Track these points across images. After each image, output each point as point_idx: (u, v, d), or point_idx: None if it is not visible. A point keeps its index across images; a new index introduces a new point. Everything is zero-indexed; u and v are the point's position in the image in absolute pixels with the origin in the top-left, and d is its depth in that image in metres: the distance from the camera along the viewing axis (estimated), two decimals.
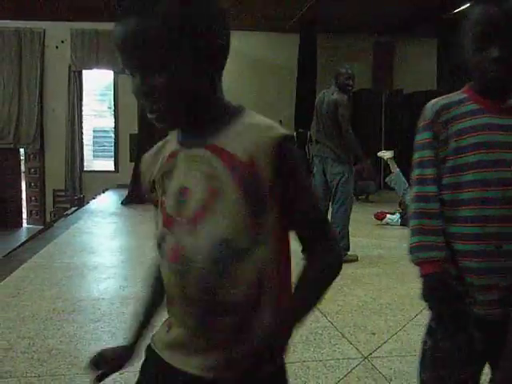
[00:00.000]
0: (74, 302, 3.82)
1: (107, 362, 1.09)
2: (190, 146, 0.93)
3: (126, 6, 0.86)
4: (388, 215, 7.68)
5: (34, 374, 2.60)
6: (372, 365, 2.73)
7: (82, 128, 14.54)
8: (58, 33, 13.94)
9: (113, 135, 14.84)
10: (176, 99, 0.88)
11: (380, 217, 7.72)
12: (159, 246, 0.97)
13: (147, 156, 1.04)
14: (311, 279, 0.97)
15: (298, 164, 0.91)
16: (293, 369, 2.66)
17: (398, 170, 7.08)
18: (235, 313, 0.91)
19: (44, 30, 13.94)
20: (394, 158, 6.90)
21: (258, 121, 0.91)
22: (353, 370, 2.66)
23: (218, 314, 0.91)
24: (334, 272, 0.98)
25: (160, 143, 1.03)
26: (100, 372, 1.08)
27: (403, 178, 7.05)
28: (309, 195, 0.95)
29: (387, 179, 7.35)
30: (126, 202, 10.35)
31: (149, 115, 0.90)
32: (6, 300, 3.83)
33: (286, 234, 0.97)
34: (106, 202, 11.29)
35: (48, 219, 13.62)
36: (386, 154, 7.26)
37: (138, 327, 1.12)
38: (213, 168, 0.89)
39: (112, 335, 3.12)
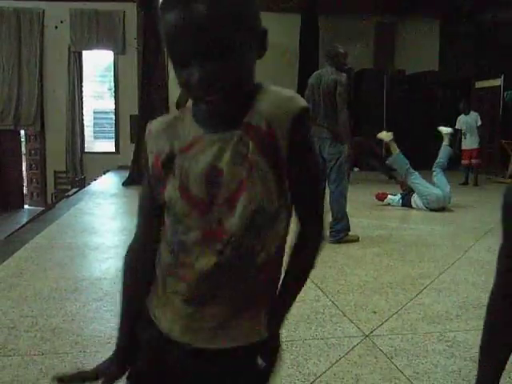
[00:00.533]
0: (76, 281, 3.84)
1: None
2: (216, 129, 0.92)
3: None
4: (389, 196, 7.68)
5: (37, 352, 2.62)
6: (373, 343, 2.74)
7: (82, 109, 14.51)
8: (57, 13, 13.84)
9: (113, 116, 14.80)
10: (235, 86, 0.88)
11: (381, 197, 7.72)
12: (184, 231, 0.95)
13: (155, 129, 1.00)
14: (303, 269, 1.05)
15: (309, 139, 0.94)
16: (294, 347, 2.68)
17: (398, 150, 7.12)
18: (267, 273, 0.97)
19: (43, 10, 13.84)
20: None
21: (279, 91, 0.92)
22: (354, 348, 2.67)
23: (252, 276, 0.96)
24: (317, 255, 1.03)
25: (169, 118, 1.00)
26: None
27: (404, 159, 7.13)
28: (315, 172, 0.98)
29: (388, 160, 7.37)
30: (126, 183, 10.35)
31: (196, 101, 0.93)
32: (9, 280, 3.85)
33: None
34: (107, 183, 11.29)
35: (49, 201, 13.66)
36: (385, 136, 7.32)
37: (129, 327, 1.08)
38: (242, 145, 0.90)
39: (114, 314, 3.13)
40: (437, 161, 7.57)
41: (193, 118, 0.96)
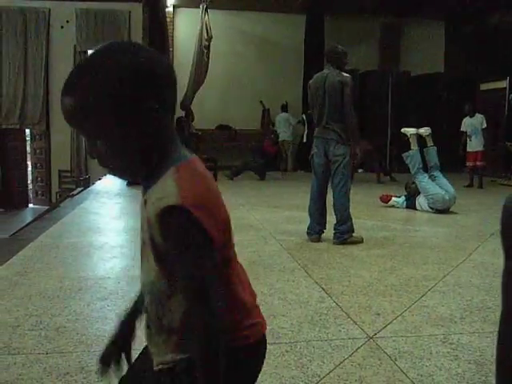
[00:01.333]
0: (81, 280, 3.85)
1: (112, 352, 1.20)
2: (143, 193, 1.03)
3: (64, 84, 0.96)
4: (393, 198, 7.68)
5: (41, 351, 2.63)
6: (377, 345, 2.74)
7: None
8: (62, 12, 13.88)
9: None
10: (118, 161, 0.98)
11: (385, 199, 7.71)
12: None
13: None
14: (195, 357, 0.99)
15: (173, 235, 0.93)
16: (298, 348, 2.68)
17: (417, 148, 7.18)
18: (175, 333, 1.03)
19: (49, 10, 13.88)
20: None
21: (163, 186, 0.95)
22: (358, 350, 2.67)
23: (163, 332, 1.04)
24: (206, 345, 0.94)
25: None
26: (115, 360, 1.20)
27: (419, 158, 7.15)
28: (182, 265, 0.95)
29: (404, 154, 7.36)
30: (130, 183, 10.36)
31: None
32: (14, 278, 3.87)
33: None
34: (112, 183, 11.30)
35: (54, 200, 13.68)
36: (409, 131, 7.39)
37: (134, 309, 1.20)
38: (143, 219, 1.00)
39: (118, 313, 3.14)
40: (430, 165, 7.41)
41: None
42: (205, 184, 0.97)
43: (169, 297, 1.00)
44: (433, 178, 7.26)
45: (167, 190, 0.93)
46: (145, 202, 0.99)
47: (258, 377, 1.12)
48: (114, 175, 1.03)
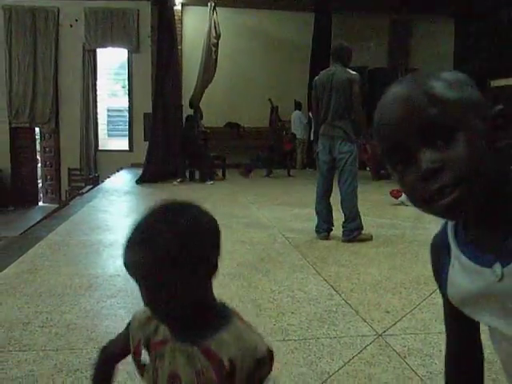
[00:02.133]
0: (90, 278, 3.87)
1: None
2: (181, 340, 1.07)
3: (133, 237, 1.05)
4: (403, 193, 7.63)
5: (52, 348, 2.64)
6: (386, 342, 2.74)
7: (96, 107, 14.59)
8: (71, 11, 13.93)
9: (127, 114, 14.87)
10: (174, 310, 1.03)
11: (396, 195, 7.67)
12: None
13: (138, 316, 1.17)
14: None
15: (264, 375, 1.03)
16: (307, 345, 2.68)
17: None
18: None
19: (58, 9, 13.94)
20: None
21: (245, 335, 1.04)
22: (367, 347, 2.67)
23: None
24: None
25: (147, 315, 1.14)
26: None
27: None
28: None
29: None
30: (140, 181, 10.41)
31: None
32: (24, 276, 3.89)
33: None
34: (121, 181, 11.35)
35: (63, 198, 13.75)
36: None
37: None
38: (201, 365, 1.04)
39: (127, 311, 3.15)
40: None
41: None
42: None
43: None
44: None
45: (253, 340, 1.04)
46: (205, 351, 1.04)
47: None
48: (158, 311, 1.06)
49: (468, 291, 0.98)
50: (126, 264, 1.05)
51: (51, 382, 2.29)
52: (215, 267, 1.08)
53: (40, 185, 15.24)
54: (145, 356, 1.14)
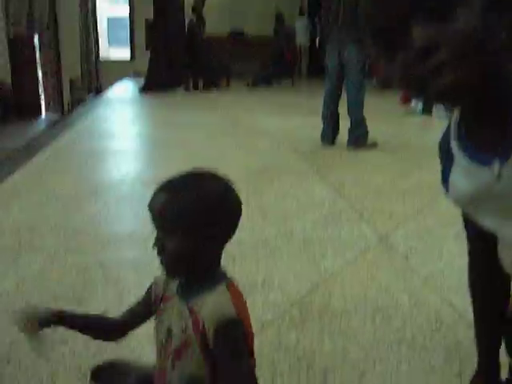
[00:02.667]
0: (96, 184, 3.90)
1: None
2: (181, 298, 1.15)
3: (164, 185, 1.11)
4: (414, 100, 7.49)
5: (61, 249, 2.70)
6: (389, 244, 2.78)
7: (96, 15, 14.14)
8: None
9: (128, 23, 14.43)
10: (176, 263, 1.11)
11: (405, 99, 7.54)
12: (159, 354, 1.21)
13: (159, 278, 1.24)
14: None
15: (226, 347, 1.08)
16: (311, 246, 2.73)
17: None
18: None
19: None
20: None
21: (218, 299, 1.10)
22: (370, 249, 2.71)
23: None
24: None
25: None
26: None
27: None
28: (229, 374, 1.09)
29: None
30: (142, 90, 10.25)
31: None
32: (29, 183, 3.91)
33: None
34: (123, 90, 11.20)
35: (65, 109, 13.61)
36: None
37: (72, 315, 1.33)
38: (186, 323, 1.12)
39: (134, 216, 3.20)
40: None
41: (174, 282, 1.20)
42: (245, 303, 1.14)
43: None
44: None
45: (224, 303, 1.09)
46: (190, 309, 1.12)
47: None
48: (167, 267, 1.13)
49: (468, 192, 0.99)
50: (150, 207, 1.10)
51: (62, 281, 2.35)
52: (228, 239, 1.15)
53: (41, 96, 15.04)
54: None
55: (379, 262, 2.56)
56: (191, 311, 1.13)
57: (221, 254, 1.17)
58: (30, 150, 5.18)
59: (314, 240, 2.82)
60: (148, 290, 1.27)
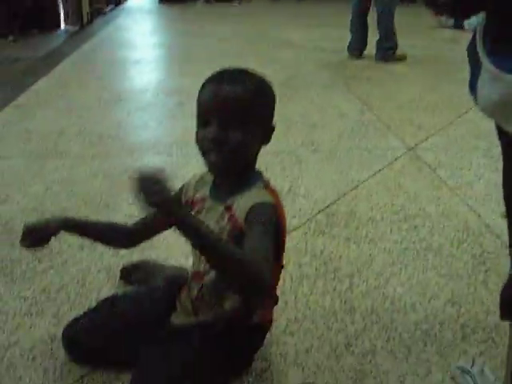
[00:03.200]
0: (119, 92, 3.85)
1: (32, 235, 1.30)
2: (215, 199, 1.17)
3: (226, 76, 1.12)
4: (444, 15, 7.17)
5: (86, 155, 2.70)
6: (417, 155, 2.73)
7: None
8: None
9: None
10: (236, 156, 1.10)
11: (437, 13, 7.21)
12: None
13: (193, 180, 1.27)
14: (234, 249, 1.03)
15: (256, 220, 1.06)
16: (338, 156, 2.70)
17: None
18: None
19: None
20: None
21: (256, 193, 1.12)
22: (398, 159, 2.67)
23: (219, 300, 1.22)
24: (250, 276, 0.96)
25: (200, 175, 1.27)
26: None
27: None
28: (250, 245, 1.02)
29: None
30: (163, 0, 9.95)
31: (206, 161, 1.13)
32: (54, 91, 3.89)
33: None
34: (143, 0, 10.88)
35: (85, 20, 13.31)
36: None
37: (82, 224, 1.39)
38: (222, 223, 1.13)
39: (159, 123, 3.17)
40: None
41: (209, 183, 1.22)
42: (281, 201, 1.16)
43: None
44: None
45: (260, 195, 1.11)
46: (227, 207, 1.13)
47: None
48: (218, 164, 1.11)
49: (494, 99, 0.99)
50: (201, 98, 1.11)
51: (90, 185, 2.36)
52: (269, 136, 1.16)
53: (60, 7, 14.69)
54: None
55: (407, 172, 2.53)
56: (227, 208, 1.14)
57: (258, 154, 1.18)
58: (52, 59, 5.10)
59: (340, 150, 2.78)
60: (179, 191, 1.27)
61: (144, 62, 4.90)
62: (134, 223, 1.41)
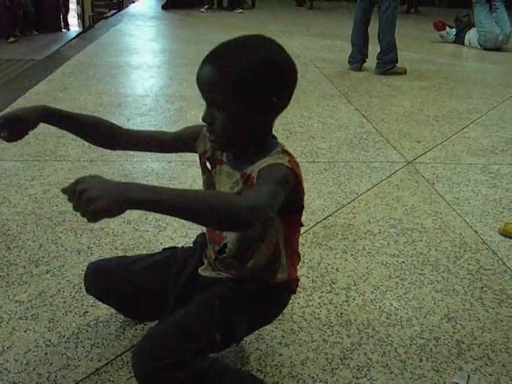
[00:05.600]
0: (120, 97, 3.85)
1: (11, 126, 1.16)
2: (231, 168, 1.16)
3: (209, 55, 1.07)
4: (447, 27, 7.20)
5: (86, 159, 2.70)
6: (415, 169, 2.74)
7: None
8: None
9: None
10: (227, 134, 1.09)
11: (439, 26, 7.24)
12: None
13: (204, 130, 1.20)
14: (212, 193, 1.10)
15: (268, 173, 1.04)
16: (336, 167, 2.71)
17: None
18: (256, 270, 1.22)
19: None
20: None
21: (275, 158, 1.09)
22: (396, 172, 2.68)
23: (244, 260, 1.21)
24: (234, 211, 0.92)
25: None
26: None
27: None
28: (262, 187, 1.01)
29: None
30: (165, 7, 10.00)
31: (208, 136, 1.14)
32: (54, 94, 3.89)
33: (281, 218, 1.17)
34: (146, 6, 10.92)
35: (87, 24, 13.35)
36: None
37: (63, 113, 1.28)
38: (239, 189, 1.12)
39: (158, 128, 3.17)
40: None
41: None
42: (300, 168, 1.12)
43: (258, 240, 1.18)
44: (494, 9, 6.64)
45: (276, 159, 1.08)
46: (243, 174, 1.11)
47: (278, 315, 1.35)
48: (215, 142, 1.12)
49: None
50: (197, 80, 1.08)
51: None
52: (283, 107, 1.12)
53: (63, 10, 14.71)
54: (208, 164, 1.23)
55: (405, 185, 2.53)
56: (243, 175, 1.11)
57: (273, 124, 1.15)
58: (53, 62, 5.11)
59: (339, 162, 2.79)
60: (194, 132, 1.25)
61: (145, 67, 4.91)
62: (128, 130, 1.31)
